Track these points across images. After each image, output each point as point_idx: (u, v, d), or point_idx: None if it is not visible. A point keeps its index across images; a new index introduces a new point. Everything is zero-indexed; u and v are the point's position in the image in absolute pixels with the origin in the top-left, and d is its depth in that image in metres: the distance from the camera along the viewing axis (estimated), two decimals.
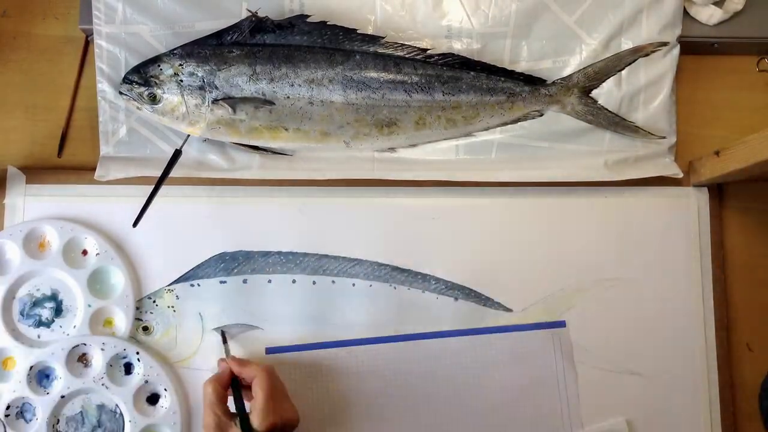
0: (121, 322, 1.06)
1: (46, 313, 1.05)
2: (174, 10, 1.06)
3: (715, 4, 1.08)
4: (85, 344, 1.04)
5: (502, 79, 1.07)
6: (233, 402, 0.97)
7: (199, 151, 1.08)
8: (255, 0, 1.05)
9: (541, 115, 1.08)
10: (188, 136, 1.05)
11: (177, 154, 1.04)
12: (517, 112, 1.08)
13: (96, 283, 1.06)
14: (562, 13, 1.07)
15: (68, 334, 1.05)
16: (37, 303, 1.06)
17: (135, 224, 1.02)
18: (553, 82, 1.08)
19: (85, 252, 1.07)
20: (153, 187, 1.02)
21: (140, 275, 1.07)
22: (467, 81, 1.06)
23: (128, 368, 1.05)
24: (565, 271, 1.09)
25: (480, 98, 1.06)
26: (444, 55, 1.06)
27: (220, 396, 0.96)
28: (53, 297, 1.06)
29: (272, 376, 0.97)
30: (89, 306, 1.05)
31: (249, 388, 0.98)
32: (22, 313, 1.05)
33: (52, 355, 1.03)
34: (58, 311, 1.06)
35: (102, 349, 1.04)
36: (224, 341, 1.05)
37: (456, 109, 1.06)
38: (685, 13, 1.09)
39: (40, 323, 1.05)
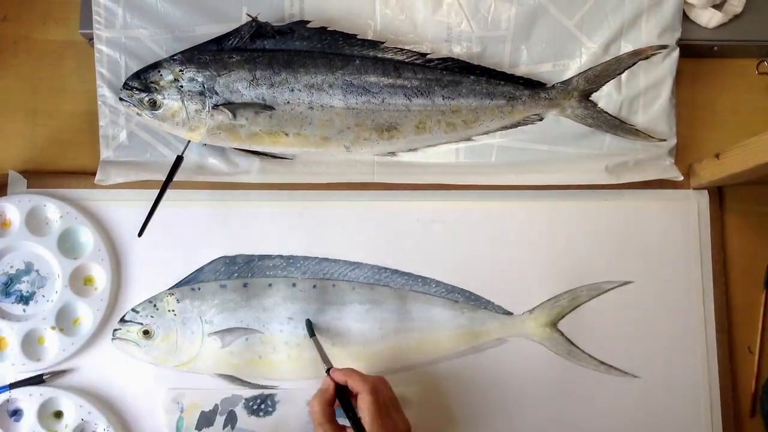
0: (101, 277, 1.07)
1: (25, 287, 1.06)
2: (174, 14, 1.06)
3: (714, 7, 1.08)
4: (71, 303, 1.06)
5: (502, 83, 1.07)
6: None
7: (200, 155, 1.08)
8: (255, 5, 1.06)
9: (541, 119, 1.08)
10: (189, 141, 1.05)
11: (179, 160, 1.04)
12: (517, 115, 1.08)
13: (65, 243, 1.07)
14: (562, 16, 1.07)
15: (52, 301, 1.06)
16: (13, 279, 1.06)
17: (140, 234, 1.03)
18: (553, 85, 1.08)
19: (47, 219, 1.07)
20: (156, 195, 1.03)
21: (141, 279, 1.07)
22: (467, 85, 1.06)
23: None
24: (566, 274, 1.09)
25: (480, 102, 1.06)
26: (444, 60, 1.07)
27: (327, 414, 0.93)
28: (28, 270, 1.07)
29: (377, 390, 0.93)
30: (65, 268, 1.06)
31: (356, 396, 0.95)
32: (2, 293, 1.06)
33: (43, 320, 1.05)
34: (36, 282, 1.06)
35: None
36: (311, 333, 1.04)
37: (456, 113, 1.06)
38: (685, 16, 1.09)
39: (21, 298, 1.06)
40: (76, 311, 1.06)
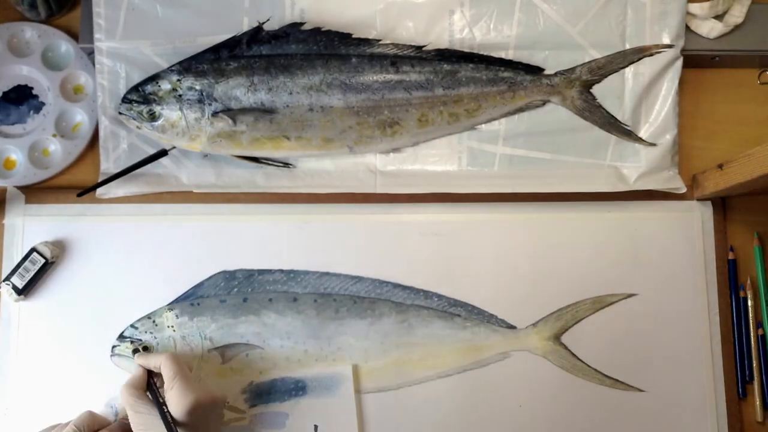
0: None
1: None
2: (174, 24, 1.06)
3: (715, 17, 1.08)
4: None
5: (502, 69, 1.07)
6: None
7: (199, 168, 1.07)
8: (256, 13, 1.06)
9: (543, 104, 1.08)
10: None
11: (163, 152, 1.05)
12: (519, 101, 1.07)
13: None
14: (566, 23, 1.07)
15: None
16: None
17: (88, 191, 1.05)
18: (556, 73, 1.08)
19: None
20: (126, 168, 1.05)
21: (139, 294, 1.06)
22: (467, 73, 1.06)
23: None
24: (569, 287, 1.08)
25: (481, 90, 1.06)
26: (440, 50, 1.07)
27: (140, 396, 0.94)
28: None
29: (177, 358, 0.96)
30: None
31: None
32: None
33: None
34: None
35: None
36: (133, 352, 1.03)
37: (458, 103, 1.06)
38: (686, 27, 1.09)
39: None
40: None
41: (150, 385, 0.97)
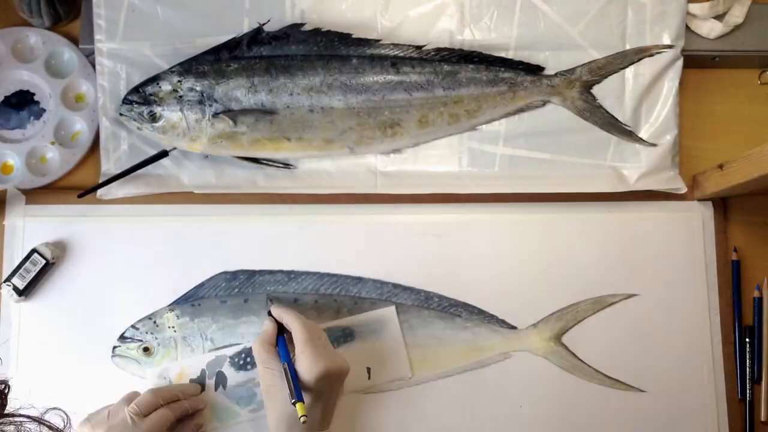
0: None
1: None
2: (175, 25, 1.06)
3: (715, 17, 1.08)
4: None
5: (502, 69, 1.07)
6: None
7: (199, 168, 1.07)
8: (256, 14, 1.06)
9: (544, 105, 1.08)
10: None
11: (164, 153, 1.05)
12: (519, 102, 1.08)
13: None
14: (566, 24, 1.07)
15: None
16: None
17: (88, 192, 1.04)
18: (556, 73, 1.08)
19: None
20: (127, 169, 1.05)
21: (140, 294, 1.06)
22: (467, 74, 1.06)
23: None
24: (570, 287, 1.08)
25: (481, 90, 1.06)
26: (440, 50, 1.07)
27: (270, 352, 0.96)
28: None
29: (310, 323, 0.97)
30: None
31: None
32: None
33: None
34: None
35: None
36: (270, 303, 1.04)
37: (458, 104, 1.06)
38: (686, 27, 1.09)
39: None
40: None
41: (281, 342, 0.97)
